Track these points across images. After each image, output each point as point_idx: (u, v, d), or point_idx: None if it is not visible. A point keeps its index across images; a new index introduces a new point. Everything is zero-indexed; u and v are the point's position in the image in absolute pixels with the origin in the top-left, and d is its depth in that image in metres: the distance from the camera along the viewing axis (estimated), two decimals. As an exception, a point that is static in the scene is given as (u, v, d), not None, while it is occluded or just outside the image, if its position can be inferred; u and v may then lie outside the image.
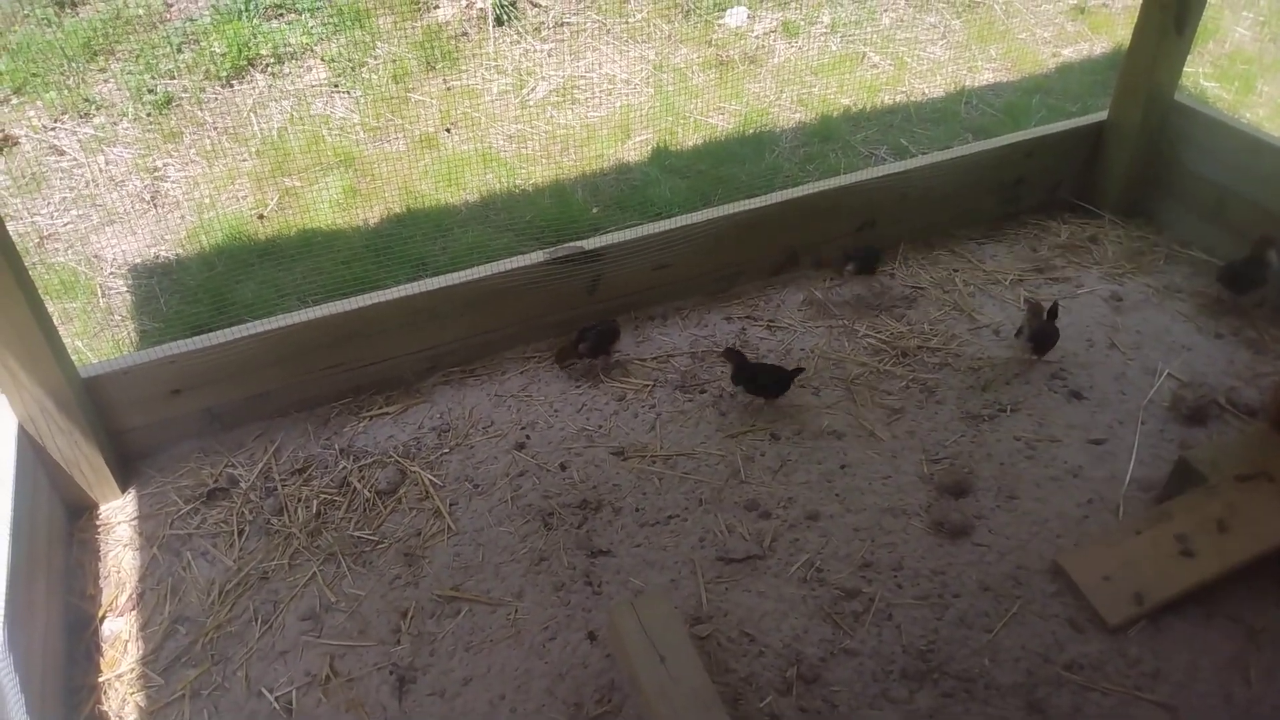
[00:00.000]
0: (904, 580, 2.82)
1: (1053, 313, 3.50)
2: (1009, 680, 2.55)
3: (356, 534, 3.00)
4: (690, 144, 5.09)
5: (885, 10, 6.34)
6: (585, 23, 6.02)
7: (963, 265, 4.12)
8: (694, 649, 2.45)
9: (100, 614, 2.80)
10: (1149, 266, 4.07)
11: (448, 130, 5.13)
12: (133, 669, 2.65)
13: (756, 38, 5.98)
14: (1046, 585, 2.79)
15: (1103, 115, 4.32)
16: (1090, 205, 4.41)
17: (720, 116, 5.32)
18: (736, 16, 6.09)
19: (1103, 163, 4.35)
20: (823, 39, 6.06)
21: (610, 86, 5.56)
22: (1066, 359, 3.58)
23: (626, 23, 6.03)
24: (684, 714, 2.28)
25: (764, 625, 2.70)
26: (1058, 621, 2.70)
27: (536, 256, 3.58)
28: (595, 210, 4.57)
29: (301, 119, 5.13)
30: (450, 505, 3.11)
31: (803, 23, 6.14)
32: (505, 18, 5.93)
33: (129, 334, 3.85)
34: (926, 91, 5.65)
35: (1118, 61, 5.47)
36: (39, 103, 5.11)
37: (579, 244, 3.62)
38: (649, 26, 6.02)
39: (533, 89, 5.51)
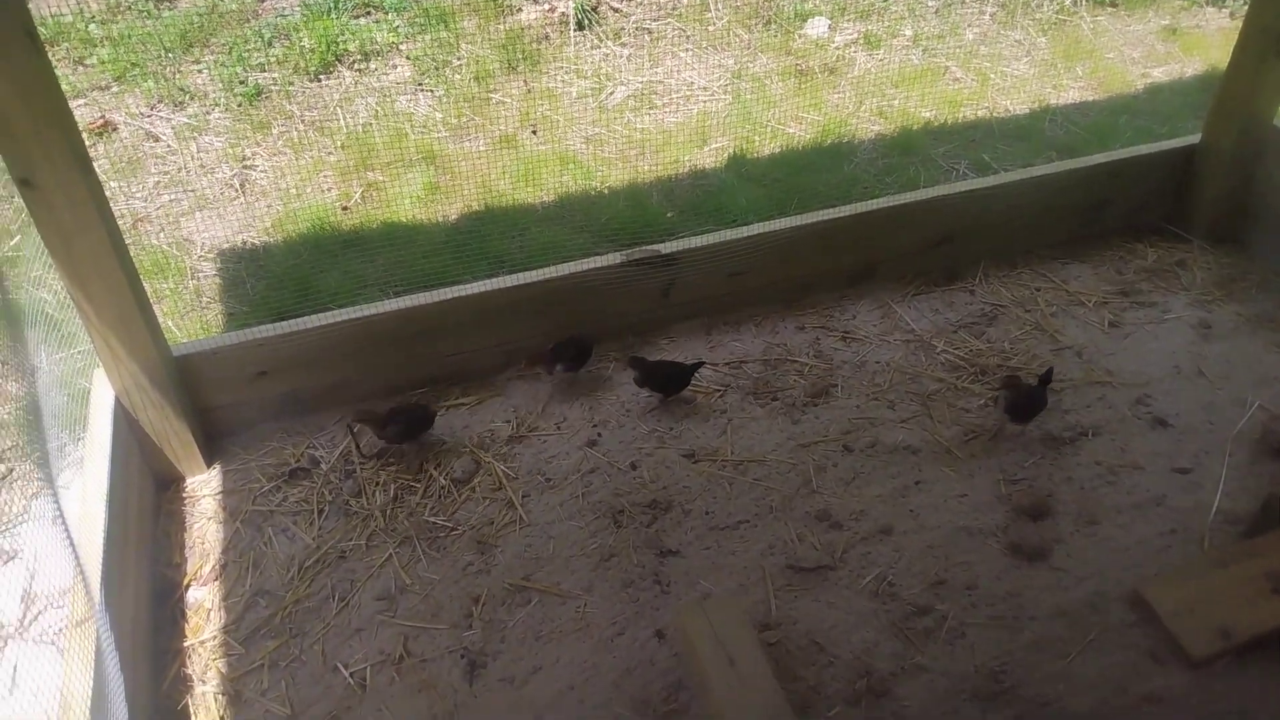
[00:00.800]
0: (978, 600, 2.78)
1: (1045, 379, 3.31)
2: (1084, 708, 2.51)
3: (431, 519, 3.05)
4: (767, 152, 5.08)
5: (969, 25, 6.28)
6: (665, 29, 6.05)
7: (1045, 285, 4.05)
8: (764, 654, 2.45)
9: (185, 582, 2.89)
10: (1240, 294, 3.96)
11: (534, 131, 5.20)
12: (215, 637, 2.73)
13: (837, 48, 5.96)
14: (1126, 614, 2.74)
15: (1194, 138, 4.22)
16: (1178, 229, 4.31)
17: (798, 126, 5.31)
18: (817, 27, 6.08)
19: (1194, 187, 4.25)
20: (904, 51, 6.01)
21: (688, 92, 5.59)
22: (1152, 385, 3.50)
23: (706, 30, 6.05)
24: (752, 719, 2.27)
25: (833, 636, 2.68)
26: (1137, 652, 2.64)
27: (613, 258, 3.61)
28: (670, 215, 4.59)
29: (386, 115, 5.24)
30: (522, 497, 3.14)
31: (884, 35, 6.10)
32: (586, 22, 5.99)
33: (216, 316, 3.96)
34: (1010, 108, 5.58)
35: (1210, 84, 5.37)
36: (137, 91, 5.29)
37: (655, 248, 3.65)
38: (728, 34, 6.04)
39: (611, 93, 5.56)
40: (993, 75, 5.87)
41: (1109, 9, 6.55)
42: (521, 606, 2.80)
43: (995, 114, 5.51)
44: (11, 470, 3.39)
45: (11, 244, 3.83)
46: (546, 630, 2.73)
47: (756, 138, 5.17)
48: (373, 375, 3.46)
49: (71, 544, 2.35)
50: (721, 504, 3.10)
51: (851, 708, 2.50)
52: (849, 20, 6.17)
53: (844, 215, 3.83)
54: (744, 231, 3.73)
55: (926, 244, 4.03)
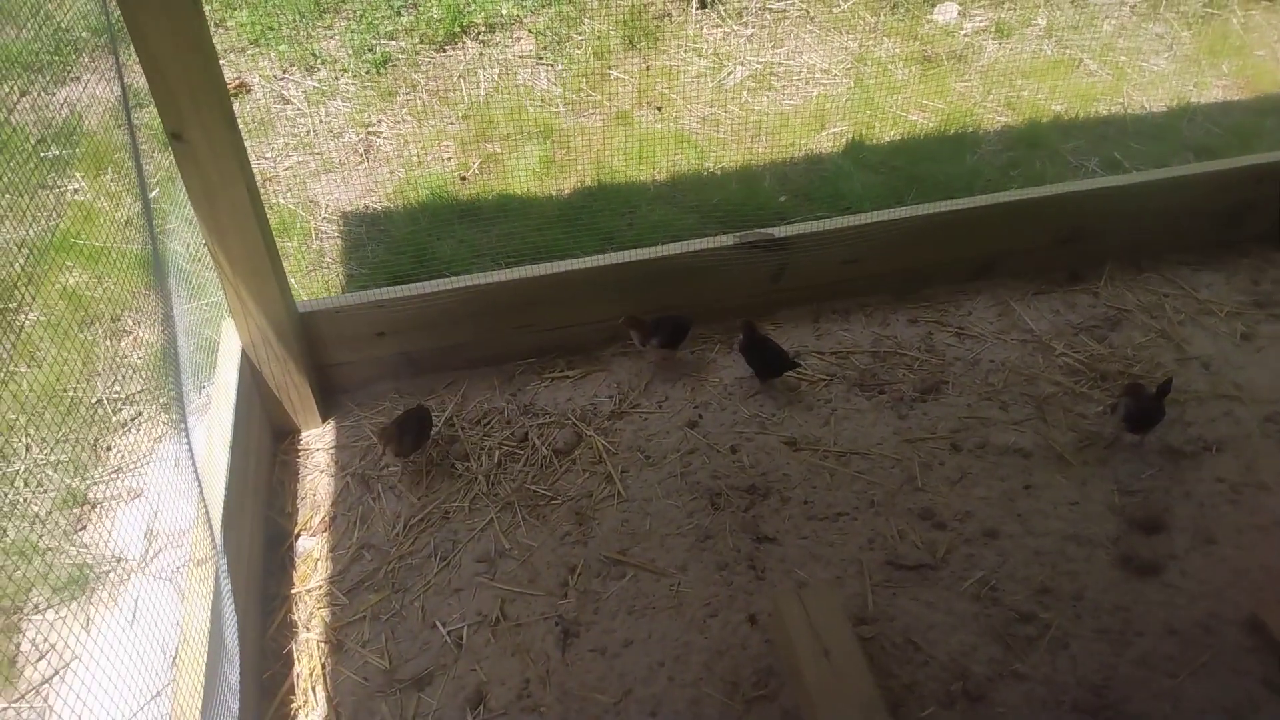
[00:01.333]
0: (1084, 611, 2.69)
1: (1163, 390, 3.11)
2: (1191, 731, 2.41)
3: (533, 488, 3.11)
4: (887, 139, 4.97)
5: (1107, 17, 6.00)
6: (789, 9, 5.96)
7: (1174, 291, 3.87)
8: (859, 647, 2.42)
9: (296, 531, 3.01)
10: (1388, 312, 3.72)
11: (658, 109, 5.20)
12: (321, 586, 2.85)
13: (966, 36, 5.78)
14: (1242, 639, 2.61)
15: (1353, 144, 3.96)
16: (1326, 240, 4.06)
17: (921, 114, 5.17)
18: (947, 13, 5.90)
19: (1347, 195, 3.99)
20: (1037, 41, 5.79)
21: (808, 75, 5.50)
22: (1285, 403, 3.32)
23: (831, 11, 5.93)
24: (845, 712, 2.26)
25: (931, 636, 2.64)
26: (1252, 679, 2.52)
27: (725, 240, 3.59)
28: (783, 199, 4.54)
29: (506, 88, 5.31)
30: (622, 472, 3.17)
31: (1016, 23, 5.88)
32: (709, 1, 5.94)
33: (337, 277, 4.10)
34: (1145, 104, 5.32)
35: (1373, 87, 5.02)
36: (272, 54, 5.48)
37: (769, 230, 3.61)
38: (853, 17, 5.91)
39: (730, 73, 5.51)
40: (1129, 70, 5.60)
41: (1263, 4, 6.17)
42: (616, 580, 2.84)
43: (1130, 110, 5.26)
44: (140, 413, 3.59)
45: (151, 196, 4.03)
46: (640, 605, 2.76)
47: (877, 124, 5.06)
48: (484, 342, 3.53)
49: (199, 485, 2.47)
50: (821, 494, 3.07)
51: (945, 710, 2.46)
52: (980, 7, 5.96)
53: (965, 207, 3.72)
54: (860, 219, 3.66)
55: (1050, 242, 3.89)
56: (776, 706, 2.49)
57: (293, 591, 2.84)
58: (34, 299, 3.89)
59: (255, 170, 4.64)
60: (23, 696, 2.64)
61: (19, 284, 3.66)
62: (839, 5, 5.97)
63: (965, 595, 2.73)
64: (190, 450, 2.45)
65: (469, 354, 3.55)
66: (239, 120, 2.76)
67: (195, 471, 2.48)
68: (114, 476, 3.27)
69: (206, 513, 2.50)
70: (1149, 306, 3.79)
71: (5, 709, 2.62)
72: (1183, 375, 3.44)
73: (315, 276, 4.10)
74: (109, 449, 3.39)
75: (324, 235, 4.35)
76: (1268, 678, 2.52)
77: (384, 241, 4.24)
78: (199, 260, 3.13)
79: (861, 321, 3.75)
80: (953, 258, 3.84)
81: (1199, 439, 3.21)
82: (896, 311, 3.78)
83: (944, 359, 3.55)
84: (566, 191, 4.65)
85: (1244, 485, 3.05)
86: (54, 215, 4.22)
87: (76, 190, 4.40)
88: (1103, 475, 3.09)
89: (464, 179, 4.67)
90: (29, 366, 3.55)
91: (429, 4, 5.73)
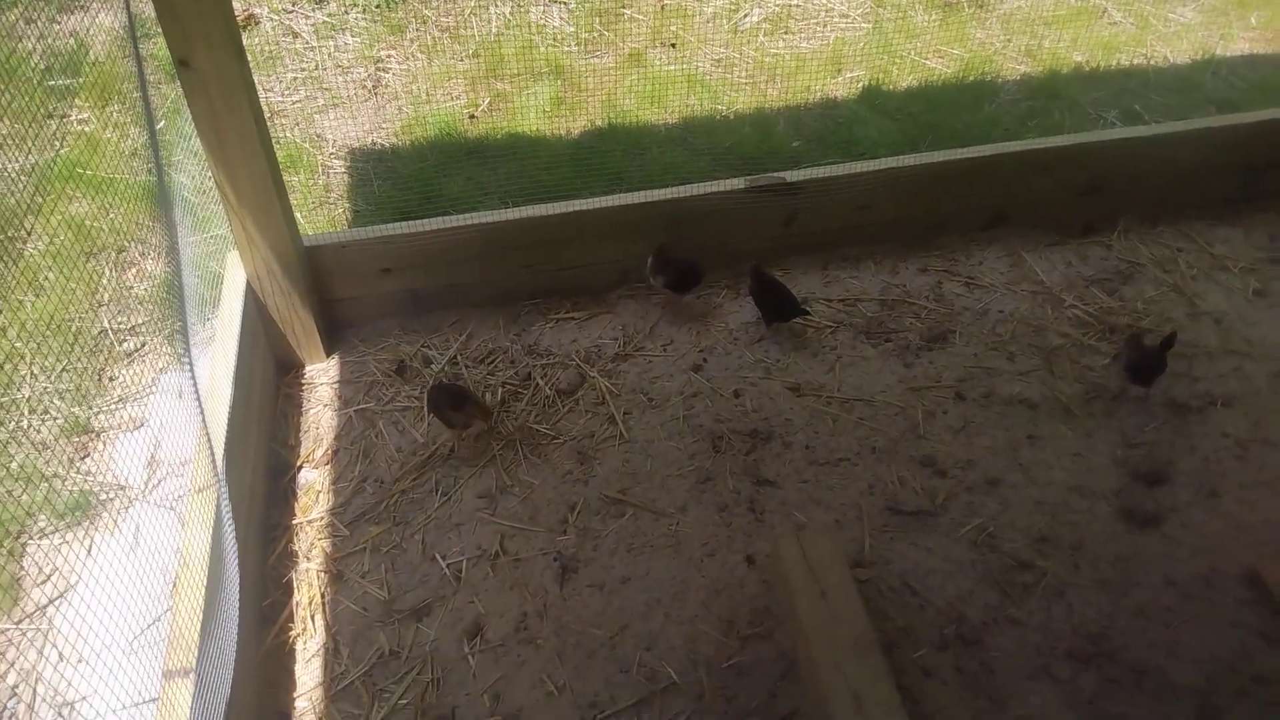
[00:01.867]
0: (1082, 561, 2.69)
1: (1166, 343, 3.07)
2: (1185, 680, 2.42)
3: (535, 427, 3.11)
4: (903, 85, 4.88)
5: (1135, -36, 5.84)
6: (807, -48, 5.82)
7: (1188, 246, 3.82)
8: (856, 589, 2.43)
9: (298, 464, 3.02)
10: None
11: (672, 45, 5.11)
12: (322, 517, 2.86)
13: (988, -18, 5.64)
14: (1241, 591, 2.61)
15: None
16: (1349, 198, 3.99)
17: (939, 60, 5.07)
18: (969, -42, 5.75)
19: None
20: (1061, -11, 5.65)
21: (826, 18, 5.38)
22: (1296, 360, 3.29)
23: (850, -45, 5.79)
24: (840, 650, 2.27)
25: (928, 581, 2.64)
26: (1249, 631, 2.52)
27: (736, 183, 3.54)
28: (796, 144, 4.47)
29: (518, 25, 5.22)
30: (624, 414, 3.17)
31: (1040, -30, 5.73)
32: (726, -60, 5.80)
33: (343, 213, 4.07)
34: (1169, 56, 5.20)
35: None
36: (280, -14, 5.39)
37: (781, 175, 3.56)
38: (873, -39, 5.77)
39: (746, 14, 5.40)
40: (1154, 20, 5.47)
41: (1296, -46, 6.00)
42: (616, 519, 2.85)
43: (1153, 62, 5.15)
44: (144, 345, 3.59)
45: (158, 128, 3.99)
46: (639, 544, 2.77)
47: (894, 70, 4.97)
48: (489, 282, 3.51)
49: (202, 414, 2.47)
50: (823, 440, 3.06)
51: (939, 652, 2.47)
52: (1003, -48, 5.81)
53: (981, 155, 3.66)
54: (874, 164, 3.61)
55: (1066, 193, 3.83)
56: (772, 645, 2.50)
57: (294, 522, 2.86)
58: (39, 229, 3.87)
59: (263, 104, 4.59)
60: (27, 617, 2.68)
61: (24, 212, 3.65)
62: (859, -53, 5.82)
63: (963, 542, 2.74)
64: (194, 380, 2.45)
65: (474, 293, 3.53)
66: (247, 53, 2.71)
67: (199, 401, 2.48)
68: (117, 406, 3.28)
69: (209, 442, 2.50)
70: (1162, 260, 3.74)
71: (9, 629, 2.66)
72: (1193, 330, 3.40)
73: (321, 212, 4.07)
74: (113, 379, 3.39)
75: (330, 171, 4.31)
76: (1264, 630, 2.52)
77: (390, 178, 4.20)
78: (204, 193, 3.10)
79: (871, 269, 3.71)
80: (966, 207, 3.79)
81: (1206, 394, 3.18)
82: (907, 260, 3.74)
83: (952, 308, 3.51)
84: (576, 132, 4.58)
85: (1250, 441, 3.03)
86: (59, 144, 4.19)
87: (83, 120, 4.36)
88: (1108, 428, 3.07)
89: (473, 117, 4.61)
90: (34, 295, 3.54)
91: (440, -62, 5.62)
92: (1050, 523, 2.79)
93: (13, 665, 2.58)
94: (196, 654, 2.09)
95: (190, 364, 2.46)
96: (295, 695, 2.44)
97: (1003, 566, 2.67)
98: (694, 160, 4.37)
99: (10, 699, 2.53)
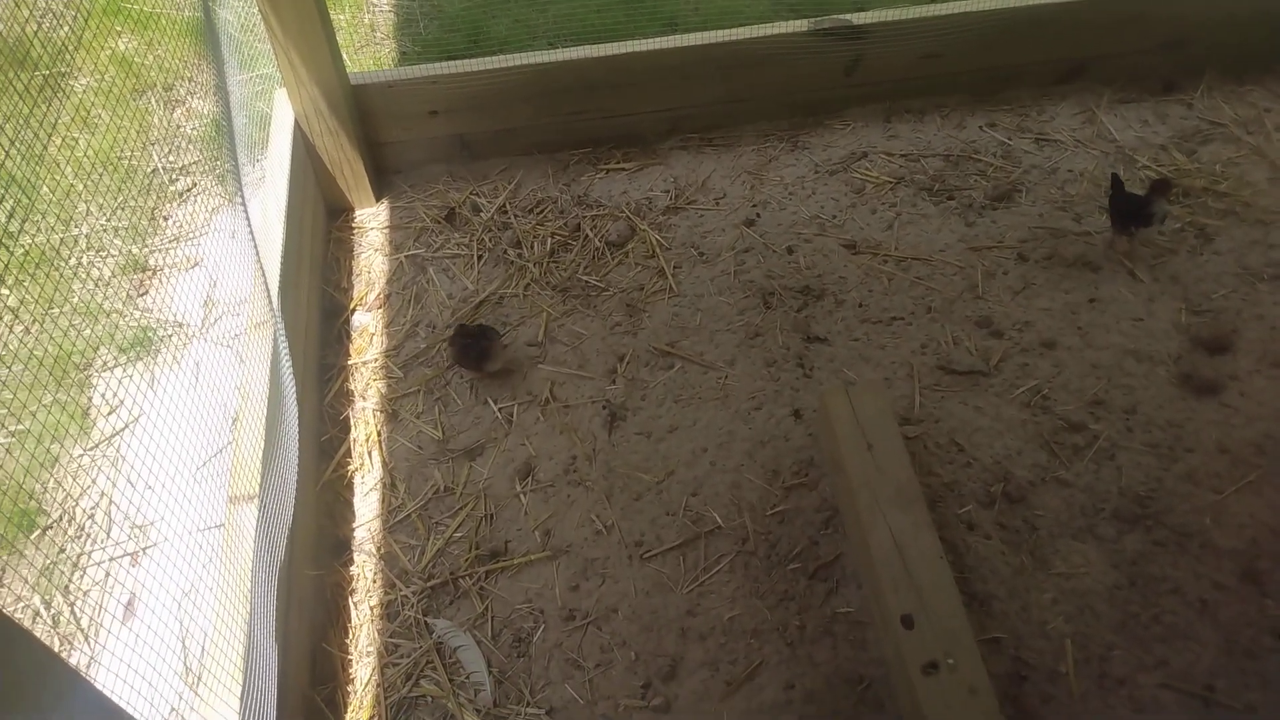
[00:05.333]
0: (1135, 425, 2.66)
1: (1156, 187, 2.92)
2: (1229, 544, 2.42)
3: (584, 278, 3.09)
4: (980, -72, 4.55)
5: None
6: None
7: (1277, 106, 3.60)
8: (903, 444, 2.43)
9: (351, 306, 3.05)
10: None
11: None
12: (376, 359, 2.90)
13: None
14: (1296, 461, 2.58)
15: None
16: None
17: (1020, -100, 4.71)
18: None
19: None
20: None
21: None
22: (1381, 228, 3.13)
23: None
24: (884, 501, 2.29)
25: (975, 439, 2.64)
26: (1299, 499, 2.50)
27: (798, 25, 3.37)
28: (862, -11, 4.23)
29: None
30: (674, 268, 3.13)
31: None
32: None
33: (389, 53, 3.97)
34: (1276, -103, 4.78)
35: None
36: None
37: (846, 17, 3.38)
38: None
39: None
40: None
41: None
42: (664, 370, 2.85)
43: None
44: (195, 184, 3.59)
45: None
46: (686, 395, 2.79)
47: (970, -91, 4.63)
48: (539, 128, 3.43)
49: (256, 251, 2.48)
50: (877, 298, 3.01)
51: (984, 508, 2.49)
52: None
53: (1060, 2, 3.43)
54: (946, 8, 3.40)
55: (1148, 47, 3.60)
56: (815, 495, 2.54)
57: (349, 363, 2.90)
58: (87, 64, 3.83)
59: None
60: (95, 446, 2.79)
61: (69, 47, 3.60)
62: None
63: (1015, 402, 2.71)
64: (248, 219, 2.45)
65: (523, 140, 3.46)
66: None
67: (253, 239, 2.49)
68: (172, 245, 3.31)
69: (264, 279, 2.52)
70: (1246, 121, 3.54)
71: (81, 455, 2.77)
72: (1273, 195, 3.25)
73: (366, 52, 3.97)
74: (167, 218, 3.41)
75: (375, 9, 4.17)
76: (1316, 499, 2.50)
77: (437, 18, 4.07)
78: (250, 30, 3.02)
79: (936, 123, 3.56)
80: (1041, 59, 3.58)
81: (1277, 263, 3.06)
82: (975, 113, 3.58)
83: (1020, 166, 3.38)
84: (630, -28, 4.37)
85: (1322, 311, 2.93)
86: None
87: (123, -49, 4.23)
88: (1172, 293, 2.98)
89: (522, -46, 4.41)
90: (87, 133, 3.53)
91: None
92: (1105, 386, 2.74)
93: (84, 491, 2.70)
94: (259, 482, 2.16)
95: (244, 203, 2.45)
96: (354, 526, 2.54)
97: (1053, 428, 2.65)
98: (753, 4, 4.16)
99: (87, 520, 2.66)
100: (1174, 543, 2.42)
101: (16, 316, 3.04)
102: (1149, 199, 2.94)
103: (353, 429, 2.75)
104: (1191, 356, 2.81)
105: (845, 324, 2.95)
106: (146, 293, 3.19)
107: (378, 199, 3.34)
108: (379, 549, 2.49)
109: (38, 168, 3.07)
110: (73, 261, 3.23)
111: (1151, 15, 3.50)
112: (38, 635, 1.07)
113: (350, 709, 2.23)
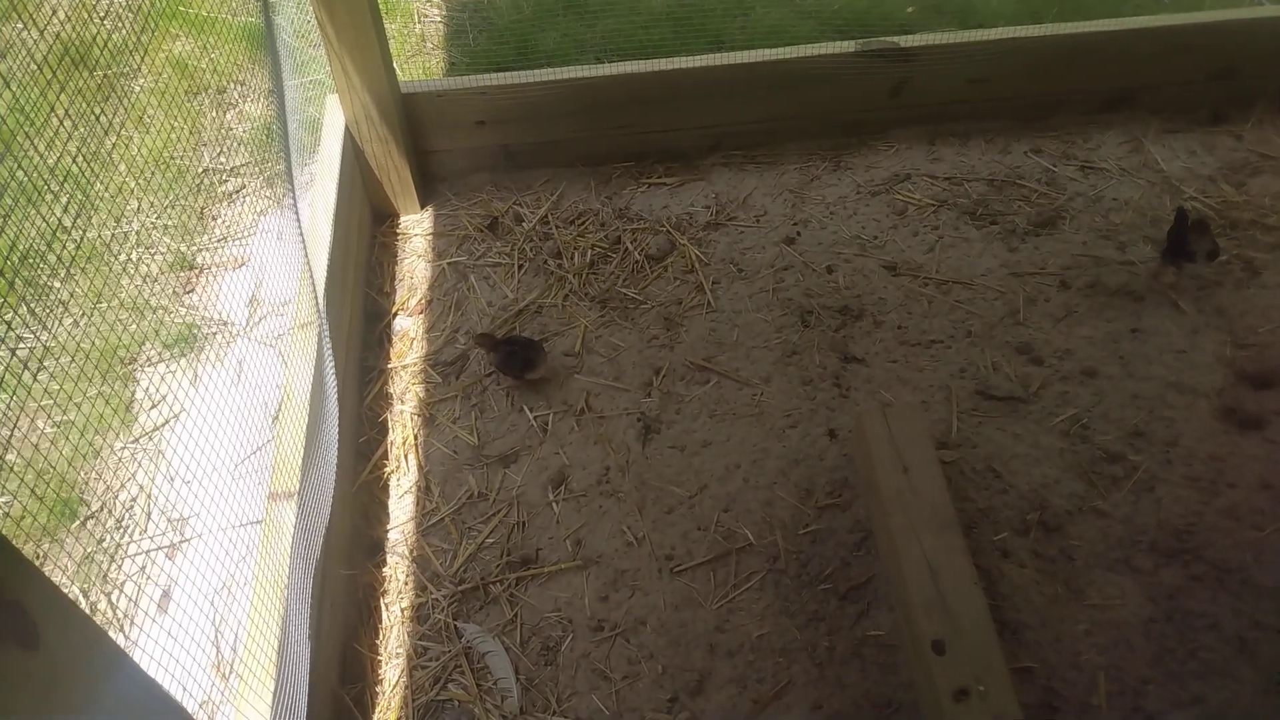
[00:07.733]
0: (1175, 458, 2.63)
1: (1191, 224, 2.88)
2: (1270, 583, 2.38)
3: (623, 290, 3.11)
4: (1030, -46, 4.55)
5: None
6: None
7: (1329, 140, 3.56)
8: (939, 468, 2.42)
9: (393, 310, 3.09)
10: None
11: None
12: (416, 364, 2.94)
13: None
14: (1342, 501, 2.53)
15: None
16: None
17: (1071, -73, 4.70)
18: None
19: None
20: None
21: (951, -123, 5.00)
22: None
23: None
24: (919, 524, 2.28)
25: (1013, 466, 2.62)
26: (1345, 540, 2.46)
27: (845, 46, 3.38)
28: (910, 10, 4.23)
29: None
30: (713, 283, 3.14)
31: None
32: None
33: (438, 63, 4.02)
34: (1332, -70, 4.73)
35: None
36: None
37: (893, 40, 3.38)
38: None
39: None
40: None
41: None
42: (700, 385, 2.86)
43: (1313, -65, 4.69)
44: (244, 185, 3.65)
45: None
46: (721, 410, 2.79)
47: (1020, -65, 4.62)
48: (583, 141, 3.46)
49: (305, 252, 2.52)
50: (916, 320, 3.00)
51: (1019, 536, 2.47)
52: None
53: (1108, 30, 3.41)
54: (993, 33, 3.40)
55: (1198, 77, 3.57)
56: (849, 516, 2.53)
57: (389, 366, 2.94)
58: (145, 67, 3.92)
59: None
60: (136, 440, 2.84)
61: (130, 49, 3.68)
62: None
63: (1054, 431, 2.69)
64: (298, 219, 2.49)
65: (567, 152, 3.49)
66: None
67: (301, 238, 2.53)
68: (219, 244, 3.37)
69: (311, 279, 2.56)
70: (1298, 155, 3.50)
71: (123, 448, 2.82)
72: (1324, 231, 3.21)
73: (416, 62, 4.03)
74: (215, 218, 3.48)
75: (426, 19, 4.24)
76: (1360, 540, 2.45)
77: (486, 30, 4.12)
78: (303, 36, 3.08)
79: (980, 147, 3.55)
80: (1088, 86, 3.56)
81: (1329, 298, 3.02)
82: (1019, 139, 3.56)
83: (1064, 192, 3.35)
84: (678, -11, 4.41)
85: (1371, 350, 2.88)
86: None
87: (183, -43, 4.33)
88: (1217, 326, 2.95)
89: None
90: (140, 132, 3.61)
91: None
92: (1146, 417, 2.71)
93: (124, 484, 2.75)
94: (299, 480, 2.19)
95: (294, 202, 2.49)
96: (388, 528, 2.56)
97: (1092, 457, 2.62)
98: (800, 23, 4.18)
99: (125, 513, 2.71)
100: (1213, 578, 2.38)
101: (66, 309, 3.11)
102: (1188, 236, 2.90)
103: (390, 431, 2.78)
104: (1235, 390, 2.78)
105: (883, 345, 2.95)
106: (193, 290, 3.25)
107: (423, 206, 3.39)
108: (411, 551, 2.51)
109: (94, 164, 3.14)
110: (123, 258, 3.30)
111: (1200, 46, 3.48)
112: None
113: (378, 709, 2.25)
